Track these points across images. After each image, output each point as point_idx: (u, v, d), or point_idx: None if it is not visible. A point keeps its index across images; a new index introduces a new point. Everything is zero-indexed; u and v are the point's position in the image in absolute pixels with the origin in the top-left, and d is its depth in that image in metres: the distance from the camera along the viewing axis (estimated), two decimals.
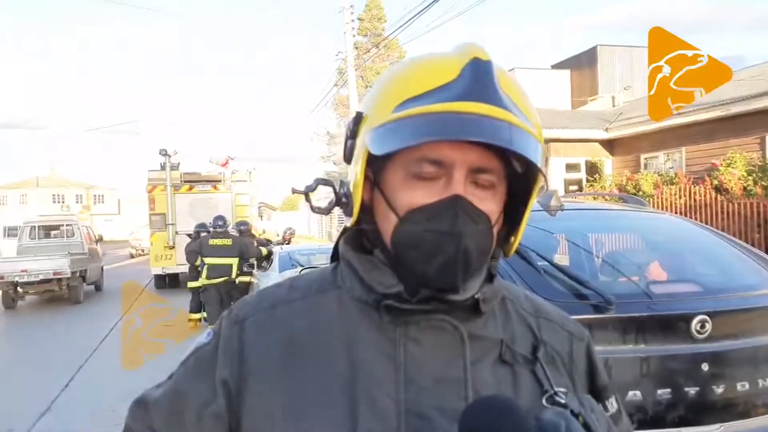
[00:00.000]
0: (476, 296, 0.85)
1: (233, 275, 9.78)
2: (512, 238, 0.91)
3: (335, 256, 0.96)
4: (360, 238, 0.92)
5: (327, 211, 0.97)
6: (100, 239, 18.84)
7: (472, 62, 0.81)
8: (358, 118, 0.89)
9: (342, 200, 0.91)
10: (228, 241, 9.91)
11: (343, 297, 0.90)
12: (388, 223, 0.85)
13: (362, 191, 0.87)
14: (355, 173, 0.87)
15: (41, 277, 13.95)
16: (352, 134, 0.90)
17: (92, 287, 16.96)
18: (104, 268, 18.63)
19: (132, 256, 33.19)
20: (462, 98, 0.78)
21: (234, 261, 9.80)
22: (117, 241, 42.46)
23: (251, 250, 10.39)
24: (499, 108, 0.78)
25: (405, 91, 0.83)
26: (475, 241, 0.81)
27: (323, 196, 1.02)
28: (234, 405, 0.87)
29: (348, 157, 0.91)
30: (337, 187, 0.93)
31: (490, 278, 0.90)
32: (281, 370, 0.86)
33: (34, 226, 17.64)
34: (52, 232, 17.63)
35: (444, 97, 0.79)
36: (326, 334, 0.87)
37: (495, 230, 0.85)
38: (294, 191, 1.04)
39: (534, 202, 0.88)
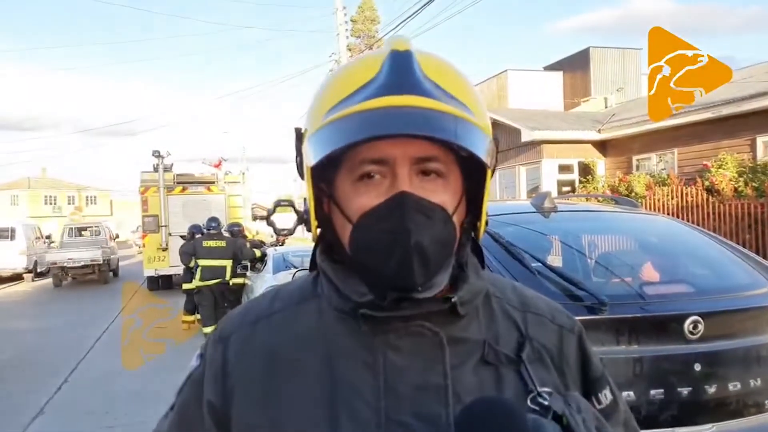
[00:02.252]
0: (453, 299, 0.83)
1: (227, 277, 9.74)
2: (478, 224, 0.89)
3: (313, 265, 0.94)
4: (331, 249, 0.90)
5: (291, 231, 0.97)
6: (117, 237, 24.61)
7: (390, 55, 0.80)
8: (299, 134, 0.88)
9: (303, 217, 0.90)
10: (222, 243, 9.87)
11: (322, 306, 0.89)
12: (345, 232, 0.84)
13: (319, 205, 0.87)
14: (307, 189, 0.86)
15: (82, 263, 19.41)
16: (298, 151, 0.88)
17: (110, 273, 21.62)
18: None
19: (137, 254, 34.14)
20: (380, 93, 0.77)
21: (228, 263, 9.76)
22: None
23: (245, 252, 10.34)
24: (417, 96, 0.76)
25: (332, 97, 0.82)
26: (429, 234, 0.78)
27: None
28: (222, 424, 0.87)
29: (301, 174, 0.89)
30: (301, 206, 0.94)
31: (461, 268, 0.88)
32: (262, 386, 0.86)
33: (72, 227, 24.46)
34: (84, 232, 23.95)
35: (364, 96, 0.78)
36: (306, 346, 0.86)
37: (456, 219, 0.83)
38: (255, 217, 1.04)
39: (490, 184, 0.86)
